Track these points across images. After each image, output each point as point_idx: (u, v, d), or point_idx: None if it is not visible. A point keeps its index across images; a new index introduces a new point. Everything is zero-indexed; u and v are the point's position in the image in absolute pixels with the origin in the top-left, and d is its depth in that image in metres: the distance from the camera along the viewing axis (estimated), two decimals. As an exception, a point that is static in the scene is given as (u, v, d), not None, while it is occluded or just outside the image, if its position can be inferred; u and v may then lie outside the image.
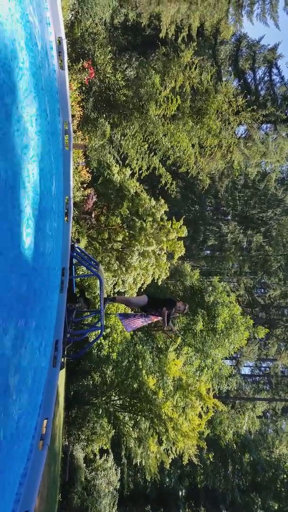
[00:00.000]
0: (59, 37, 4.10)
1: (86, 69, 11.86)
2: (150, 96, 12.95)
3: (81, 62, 11.78)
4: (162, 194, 18.06)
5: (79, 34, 13.15)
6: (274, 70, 18.91)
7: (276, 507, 25.62)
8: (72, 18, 13.89)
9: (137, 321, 6.52)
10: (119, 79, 13.18)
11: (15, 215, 2.90)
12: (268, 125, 17.95)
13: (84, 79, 11.95)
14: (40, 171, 3.49)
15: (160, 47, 15.71)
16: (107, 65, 13.09)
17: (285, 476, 27.20)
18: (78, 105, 11.65)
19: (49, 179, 4.04)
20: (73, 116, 11.02)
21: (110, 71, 13.18)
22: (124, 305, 7.63)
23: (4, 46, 2.57)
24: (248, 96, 16.39)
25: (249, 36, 20.04)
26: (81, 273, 12.25)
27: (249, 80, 19.32)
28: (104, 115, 13.10)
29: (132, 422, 17.11)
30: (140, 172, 14.22)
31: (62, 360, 5.10)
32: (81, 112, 12.02)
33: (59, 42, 4.11)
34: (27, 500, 2.94)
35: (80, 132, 12.58)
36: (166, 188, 14.50)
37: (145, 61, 16.66)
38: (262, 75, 19.25)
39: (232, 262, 32.67)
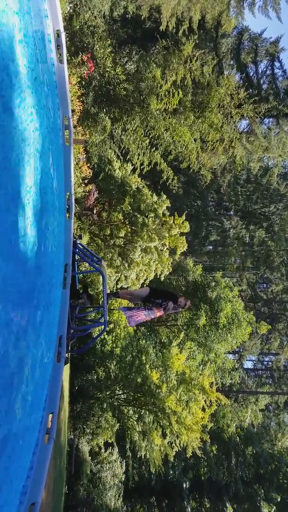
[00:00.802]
0: (58, 30, 4.06)
1: (86, 63, 11.78)
2: (151, 90, 12.85)
3: (80, 56, 11.69)
4: (164, 189, 18.01)
5: (78, 27, 13.03)
6: (277, 64, 18.70)
7: (279, 499, 25.81)
8: (71, 10, 13.77)
9: (140, 315, 6.50)
10: (119, 73, 13.09)
11: (16, 212, 2.90)
12: (270, 119, 17.80)
13: (84, 73, 11.87)
14: (40, 167, 3.49)
15: (161, 40, 15.58)
16: (107, 59, 12.99)
17: (286, 469, 27.38)
18: (78, 100, 11.59)
19: (49, 175, 4.03)
20: (73, 111, 10.98)
21: (110, 65, 13.08)
22: (127, 300, 7.61)
23: (2, 39, 2.56)
24: (250, 90, 16.26)
25: (251, 29, 19.76)
26: (83, 269, 12.27)
27: (251, 73, 19.12)
28: (104, 110, 13.03)
29: (136, 415, 17.23)
30: (142, 167, 14.16)
31: (66, 356, 5.12)
32: (81, 106, 11.96)
33: (58, 35, 4.08)
34: (34, 493, 2.97)
35: (81, 127, 12.53)
36: (167, 183, 14.45)
37: (145, 54, 16.53)
38: (264, 69, 19.04)
39: (235, 257, 32.63)
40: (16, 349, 2.90)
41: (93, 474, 19.58)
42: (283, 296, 33.28)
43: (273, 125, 17.50)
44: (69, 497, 17.99)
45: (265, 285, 35.45)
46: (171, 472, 25.86)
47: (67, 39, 12.12)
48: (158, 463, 17.23)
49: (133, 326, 6.95)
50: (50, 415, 3.65)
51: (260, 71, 18.97)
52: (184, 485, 25.71)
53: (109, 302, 8.84)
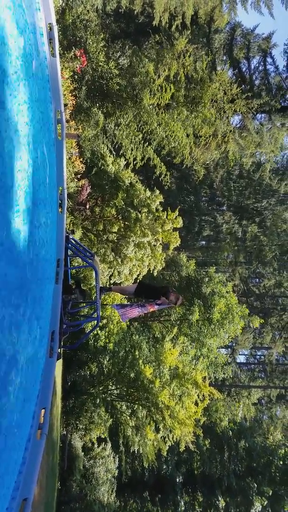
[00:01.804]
0: (50, 23, 4.01)
1: (78, 57, 11.67)
2: (143, 85, 12.78)
3: (73, 50, 11.58)
4: (157, 184, 17.97)
5: (70, 20, 12.89)
6: (269, 60, 18.70)
7: (270, 493, 26.15)
8: (63, 4, 13.61)
9: (133, 311, 6.53)
10: (112, 68, 12.99)
11: (7, 207, 2.87)
12: (263, 115, 17.84)
13: (76, 67, 11.77)
14: (32, 161, 3.46)
15: (154, 35, 15.48)
16: (100, 53, 12.89)
17: (280, 462, 27.75)
18: (70, 94, 11.49)
19: (42, 170, 4.00)
20: (65, 105, 10.88)
21: (103, 60, 12.98)
22: (120, 295, 7.64)
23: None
24: (243, 86, 16.25)
25: (244, 24, 19.80)
26: (76, 264, 12.23)
27: (244, 69, 19.11)
28: (97, 104, 12.94)
29: (129, 410, 17.31)
30: (135, 162, 14.12)
31: (59, 351, 5.12)
32: (74, 101, 11.86)
33: (50, 28, 4.04)
34: (26, 488, 2.98)
35: (73, 121, 12.44)
36: (161, 178, 14.43)
37: (138, 49, 16.42)
38: (257, 65, 19.04)
39: (228, 252, 32.81)
40: (8, 344, 2.89)
41: (86, 469, 19.66)
42: (275, 291, 33.57)
43: (265, 120, 17.55)
44: (62, 493, 18.05)
45: (257, 279, 35.71)
46: (164, 467, 26.07)
47: (60, 32, 11.98)
48: (151, 457, 17.35)
49: (126, 321, 6.96)
50: (43, 411, 3.65)
51: (252, 66, 18.98)
52: (177, 480, 25.94)
53: (102, 297, 8.83)
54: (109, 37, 17.65)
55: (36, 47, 3.78)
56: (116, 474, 21.37)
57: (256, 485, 26.64)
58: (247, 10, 18.25)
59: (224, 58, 19.87)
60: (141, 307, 6.53)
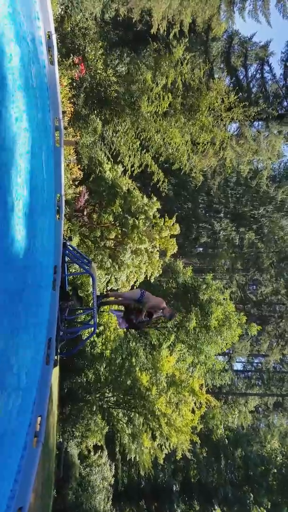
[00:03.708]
0: (49, 32, 4.06)
1: (77, 65, 11.76)
2: (141, 93, 12.89)
3: (71, 58, 11.67)
4: (154, 191, 18.00)
5: (69, 28, 13.01)
6: (266, 68, 18.95)
7: (269, 504, 25.87)
8: (62, 12, 13.74)
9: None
10: (110, 75, 13.10)
11: (6, 213, 2.88)
12: (260, 122, 18.01)
13: (75, 75, 11.85)
14: (30, 168, 3.47)
15: (152, 43, 15.63)
16: (98, 61, 12.99)
17: (275, 471, 27.52)
18: (68, 101, 11.56)
19: (40, 176, 4.01)
20: (63, 112, 10.94)
21: (101, 67, 13.08)
22: (117, 304, 7.59)
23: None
24: (240, 94, 16.41)
25: (241, 33, 20.04)
26: (73, 271, 12.21)
27: (241, 77, 19.34)
28: (95, 112, 13.02)
29: (126, 418, 17.17)
30: (132, 169, 14.17)
31: (55, 358, 5.09)
32: (72, 108, 11.93)
33: (49, 36, 4.08)
34: (21, 497, 2.95)
35: (71, 128, 12.49)
36: (158, 185, 14.48)
37: (137, 57, 16.59)
38: (254, 72, 19.29)
39: (225, 259, 32.86)
40: (4, 350, 2.88)
41: (82, 477, 19.44)
42: (272, 298, 33.58)
43: (262, 128, 17.72)
44: (58, 501, 17.82)
45: (254, 286, 35.73)
46: (161, 475, 25.83)
47: (58, 40, 12.08)
48: (148, 465, 17.21)
49: (124, 328, 6.92)
50: (39, 418, 3.63)
51: (250, 74, 19.21)
52: (174, 488, 25.69)
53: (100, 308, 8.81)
54: (107, 45, 17.81)
55: (35, 55, 3.81)
56: (112, 482, 21.14)
57: (253, 495, 26.40)
58: (245, 19, 18.48)
59: (222, 66, 20.11)
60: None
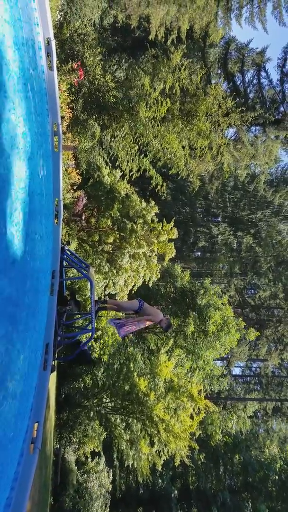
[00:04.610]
0: (48, 38, 4.08)
1: (76, 70, 11.82)
2: (140, 98, 12.95)
3: (70, 63, 11.74)
4: (152, 196, 18.09)
5: (68, 34, 13.09)
6: (263, 73, 19.10)
7: (267, 510, 25.67)
8: (61, 18, 13.85)
9: (130, 326, 6.47)
10: (109, 81, 13.16)
11: (4, 217, 2.87)
12: (257, 127, 18.12)
13: (74, 80, 11.91)
14: (29, 173, 3.47)
15: (150, 49, 15.75)
16: (97, 67, 13.06)
17: (276, 477, 27.34)
18: (67, 107, 11.61)
19: (38, 181, 4.01)
20: (62, 117, 10.98)
21: (100, 73, 13.15)
22: (115, 311, 7.54)
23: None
24: (237, 99, 16.53)
25: (238, 39, 20.26)
26: (71, 275, 12.19)
27: (238, 83, 19.48)
28: (93, 117, 13.07)
29: (124, 424, 17.06)
30: (130, 174, 14.21)
31: (53, 363, 5.06)
32: (71, 113, 11.98)
33: (48, 42, 4.10)
34: (18, 504, 2.91)
35: (70, 133, 12.53)
36: (156, 190, 14.52)
37: (135, 62, 16.70)
38: (251, 78, 19.43)
39: (223, 263, 32.89)
40: (1, 356, 2.86)
41: (79, 484, 19.26)
42: (270, 302, 33.59)
43: (259, 133, 17.82)
44: (55, 508, 17.65)
45: (252, 290, 35.75)
46: (159, 481, 25.62)
47: (57, 46, 12.15)
48: (146, 472, 17.06)
49: (123, 337, 6.87)
50: (36, 424, 3.59)
51: (247, 80, 19.34)
52: (172, 494, 25.48)
53: (98, 313, 8.78)
54: (106, 51, 17.94)
55: (34, 60, 3.82)
56: (110, 489, 20.95)
57: (251, 501, 26.21)
58: (241, 25, 18.71)
59: (219, 71, 20.26)
60: (138, 322, 6.50)
